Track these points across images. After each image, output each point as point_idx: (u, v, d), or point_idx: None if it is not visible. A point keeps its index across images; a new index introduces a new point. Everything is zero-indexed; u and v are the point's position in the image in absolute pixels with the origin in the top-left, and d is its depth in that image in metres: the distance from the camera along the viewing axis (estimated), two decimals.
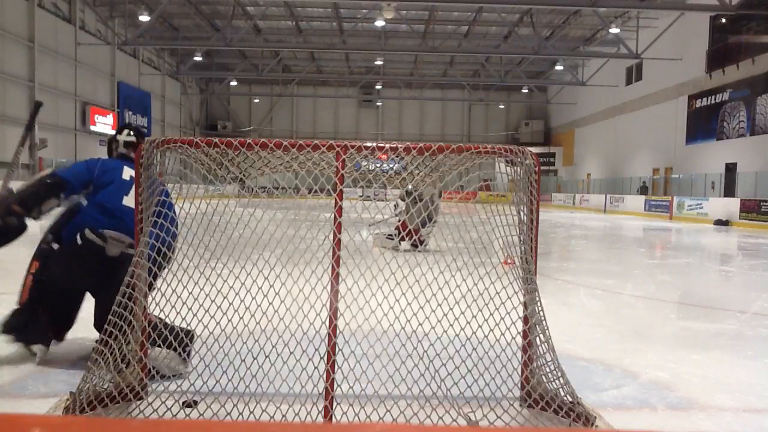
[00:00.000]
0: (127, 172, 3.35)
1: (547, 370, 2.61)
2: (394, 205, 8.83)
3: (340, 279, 2.34)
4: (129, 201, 3.20)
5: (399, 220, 8.27)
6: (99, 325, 2.82)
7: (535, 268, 2.65)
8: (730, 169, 21.64)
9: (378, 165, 2.72)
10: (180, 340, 2.69)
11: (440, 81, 37.98)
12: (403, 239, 8.03)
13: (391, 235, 8.29)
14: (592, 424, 2.35)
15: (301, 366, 2.49)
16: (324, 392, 2.29)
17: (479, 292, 2.64)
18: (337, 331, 2.34)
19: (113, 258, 3.08)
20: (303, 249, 2.67)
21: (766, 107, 19.94)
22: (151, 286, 2.57)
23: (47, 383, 2.87)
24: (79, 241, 3.09)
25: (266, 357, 2.47)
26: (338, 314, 2.34)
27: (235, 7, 25.23)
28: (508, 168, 2.79)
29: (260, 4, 25.40)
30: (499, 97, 41.28)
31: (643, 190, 25.54)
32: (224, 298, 2.55)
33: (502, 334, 2.63)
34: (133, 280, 2.46)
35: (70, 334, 3.88)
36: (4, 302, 4.80)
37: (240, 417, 2.40)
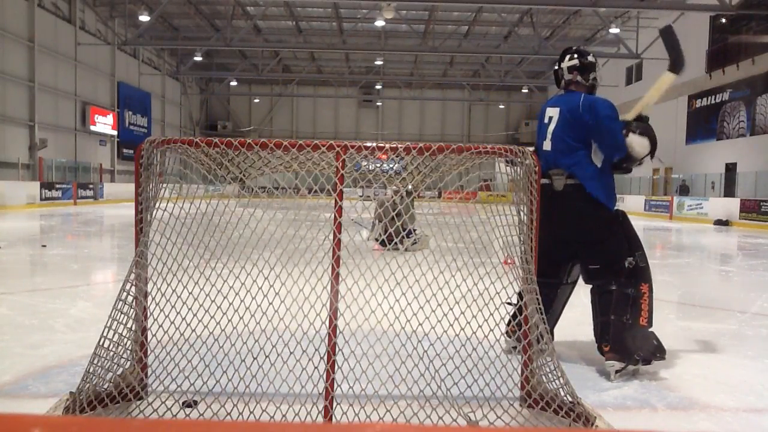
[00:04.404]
0: (549, 113, 3.37)
1: (547, 370, 2.61)
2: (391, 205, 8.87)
3: (340, 279, 2.34)
4: (547, 146, 3.33)
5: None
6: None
7: (536, 268, 2.65)
8: (730, 169, 21.64)
9: (378, 165, 2.72)
10: None
11: (440, 81, 37.97)
12: (403, 239, 8.06)
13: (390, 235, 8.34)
14: (592, 424, 2.34)
15: (301, 366, 2.49)
16: (324, 392, 2.29)
17: (479, 292, 2.64)
18: (337, 331, 2.34)
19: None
20: (303, 249, 2.67)
21: (766, 107, 19.94)
22: None
23: (47, 383, 2.87)
24: None
25: (266, 357, 2.47)
26: (338, 314, 2.34)
27: (235, 7, 25.23)
28: (508, 168, 2.79)
29: (260, 4, 25.41)
30: (499, 97, 41.25)
31: (683, 190, 23.89)
32: (224, 298, 2.55)
33: (503, 334, 2.63)
34: (133, 279, 2.47)
35: (71, 334, 3.89)
36: (4, 302, 4.82)
37: (240, 417, 2.40)
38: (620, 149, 3.22)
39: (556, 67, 3.53)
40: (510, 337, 3.24)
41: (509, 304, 3.05)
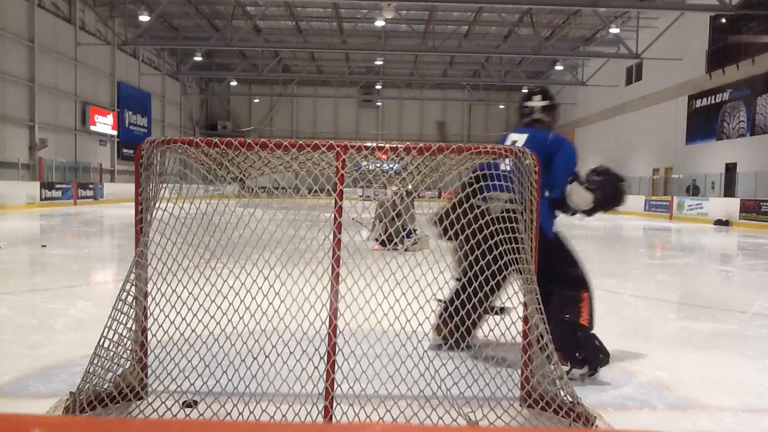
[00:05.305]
0: (512, 137, 3.49)
1: (547, 370, 2.61)
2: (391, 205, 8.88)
3: (340, 279, 2.34)
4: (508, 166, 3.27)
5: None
6: None
7: (536, 268, 2.65)
8: (730, 169, 21.64)
9: (378, 165, 2.72)
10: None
11: (440, 81, 37.97)
12: (403, 239, 8.08)
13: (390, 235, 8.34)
14: (592, 424, 2.35)
15: (301, 366, 2.49)
16: (324, 392, 2.29)
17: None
18: (337, 331, 2.34)
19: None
20: (303, 249, 2.67)
21: (766, 107, 19.94)
22: None
23: (47, 383, 2.87)
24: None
25: (266, 357, 2.47)
26: (338, 314, 2.34)
27: (235, 7, 25.22)
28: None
29: (260, 4, 25.40)
30: (499, 97, 41.23)
31: (694, 190, 23.02)
32: (224, 298, 2.55)
33: (502, 334, 2.63)
34: (133, 279, 2.47)
35: (71, 334, 3.89)
36: (4, 302, 4.82)
37: (240, 417, 2.40)
38: (556, 190, 3.26)
39: (524, 105, 3.65)
40: (438, 334, 3.27)
41: (438, 300, 3.05)
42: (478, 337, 3.37)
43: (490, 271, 2.66)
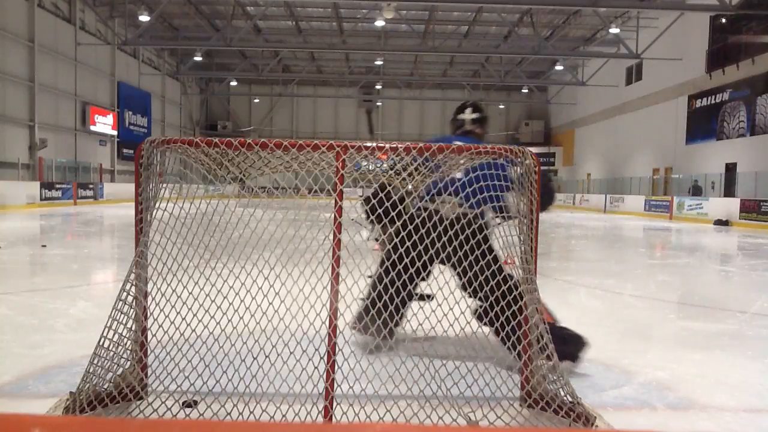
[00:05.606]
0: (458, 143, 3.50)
1: (547, 370, 2.61)
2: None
3: (340, 279, 2.34)
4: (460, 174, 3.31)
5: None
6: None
7: (535, 268, 2.65)
8: (730, 169, 21.64)
9: (378, 165, 2.72)
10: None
11: (440, 81, 37.98)
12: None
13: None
14: (592, 424, 2.35)
15: (301, 366, 2.49)
16: (324, 392, 2.29)
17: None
18: (337, 331, 2.34)
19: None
20: (303, 249, 2.67)
21: (766, 107, 19.94)
22: None
23: (47, 383, 2.87)
24: None
25: (266, 357, 2.47)
26: (338, 314, 2.34)
27: (235, 7, 25.23)
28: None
29: (260, 4, 25.40)
30: (499, 97, 41.25)
31: (696, 190, 22.62)
32: (224, 298, 2.55)
33: (503, 333, 2.63)
34: (133, 279, 2.47)
35: (71, 334, 3.89)
36: (4, 302, 4.82)
37: (240, 417, 2.40)
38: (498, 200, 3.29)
39: (457, 117, 3.72)
40: (363, 333, 3.20)
41: (362, 300, 3.08)
42: (396, 331, 3.36)
43: (415, 268, 2.75)
